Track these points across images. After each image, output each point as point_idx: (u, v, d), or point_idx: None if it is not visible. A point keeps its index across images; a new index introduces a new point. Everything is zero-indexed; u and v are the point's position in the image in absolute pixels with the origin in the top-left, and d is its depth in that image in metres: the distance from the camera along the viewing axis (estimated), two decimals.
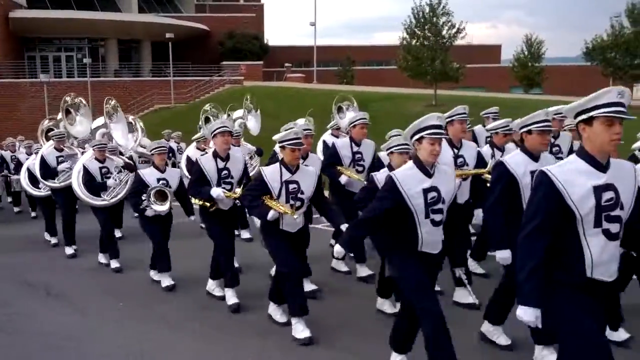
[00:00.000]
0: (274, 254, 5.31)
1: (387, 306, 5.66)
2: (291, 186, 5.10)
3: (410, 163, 4.01)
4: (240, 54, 39.73)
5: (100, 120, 9.18)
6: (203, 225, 6.99)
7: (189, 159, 9.83)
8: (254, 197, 5.14)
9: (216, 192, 5.87)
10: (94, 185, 7.82)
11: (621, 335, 4.66)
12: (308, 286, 6.08)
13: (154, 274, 7.15)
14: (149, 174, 6.85)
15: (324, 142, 8.13)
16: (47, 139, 9.87)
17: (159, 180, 6.81)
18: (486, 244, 6.64)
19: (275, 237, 5.23)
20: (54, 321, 5.91)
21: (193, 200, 6.29)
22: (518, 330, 4.42)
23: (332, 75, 41.05)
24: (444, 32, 28.14)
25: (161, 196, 6.71)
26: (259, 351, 4.93)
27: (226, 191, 5.94)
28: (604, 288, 2.93)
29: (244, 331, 5.38)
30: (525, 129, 4.34)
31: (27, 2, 38.61)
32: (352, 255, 6.86)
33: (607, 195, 2.84)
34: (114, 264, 7.77)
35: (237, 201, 6.05)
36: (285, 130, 6.11)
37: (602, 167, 2.86)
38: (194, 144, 10.21)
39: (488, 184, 4.78)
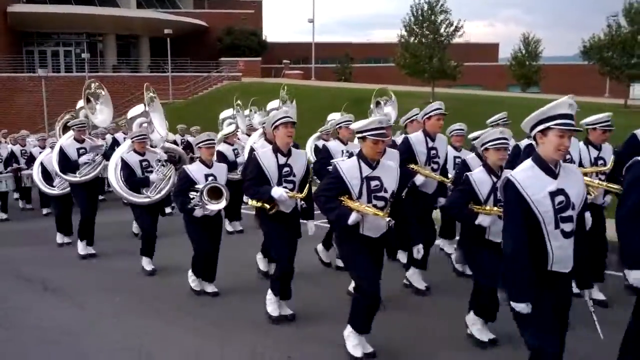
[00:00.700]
0: (352, 266, 4.62)
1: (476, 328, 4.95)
2: (373, 183, 4.42)
3: (529, 162, 3.38)
4: (238, 50, 39.72)
5: (138, 109, 8.16)
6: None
7: (221, 154, 8.65)
8: (330, 198, 4.42)
9: (278, 192, 5.15)
10: (135, 180, 7.17)
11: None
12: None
13: (193, 281, 6.44)
14: (196, 170, 6.15)
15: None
16: (65, 132, 9.11)
17: (207, 176, 6.12)
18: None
19: (354, 246, 4.52)
20: (51, 316, 5.95)
21: (250, 202, 5.56)
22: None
23: (330, 72, 41.09)
24: (442, 30, 28.18)
25: (215, 193, 5.98)
26: (253, 346, 4.98)
27: (289, 191, 5.23)
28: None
29: (239, 326, 5.44)
30: None
31: None
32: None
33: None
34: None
35: (302, 202, 5.36)
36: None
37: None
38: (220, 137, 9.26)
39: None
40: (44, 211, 12.04)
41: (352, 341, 4.63)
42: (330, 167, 5.28)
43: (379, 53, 46.25)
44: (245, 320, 5.56)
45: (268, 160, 5.25)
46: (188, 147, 11.52)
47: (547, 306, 3.32)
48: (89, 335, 5.41)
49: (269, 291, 5.51)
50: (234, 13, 43.19)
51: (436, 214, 6.40)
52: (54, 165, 8.30)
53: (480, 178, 4.63)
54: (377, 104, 8.20)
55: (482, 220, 4.57)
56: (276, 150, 5.30)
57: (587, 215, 3.74)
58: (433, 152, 5.95)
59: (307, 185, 5.32)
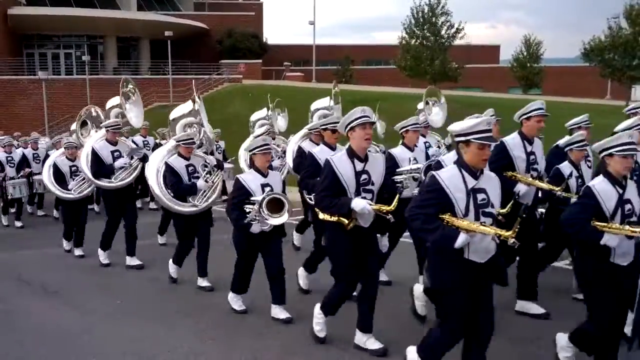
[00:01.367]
0: (448, 302, 3.74)
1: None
2: (480, 197, 3.67)
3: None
4: (239, 52, 39.69)
5: (184, 108, 7.36)
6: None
7: (301, 151, 7.00)
8: (430, 217, 3.65)
9: (360, 204, 4.37)
10: (182, 187, 6.48)
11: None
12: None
13: (232, 297, 5.90)
14: (251, 180, 5.43)
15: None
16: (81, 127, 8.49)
17: (263, 187, 5.39)
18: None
19: (454, 274, 3.68)
20: (50, 318, 5.92)
21: (321, 215, 4.71)
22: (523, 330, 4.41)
23: (331, 75, 40.91)
24: (443, 32, 28.27)
25: (276, 206, 5.27)
26: (254, 350, 4.94)
27: (372, 203, 4.46)
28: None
29: (240, 330, 5.40)
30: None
31: None
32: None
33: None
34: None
35: (390, 217, 4.39)
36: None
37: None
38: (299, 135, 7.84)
39: None
40: (55, 214, 11.37)
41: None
42: (319, 178, 4.72)
43: (379, 55, 46.25)
44: (248, 324, 5.52)
45: (344, 167, 4.49)
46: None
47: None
48: (88, 337, 5.37)
49: (318, 308, 4.92)
50: (235, 15, 43.19)
51: None
52: (83, 169, 7.67)
53: (604, 189, 3.96)
54: (426, 103, 7.61)
55: (609, 240, 3.89)
56: (352, 155, 4.54)
57: None
58: (532, 157, 5.27)
59: (397, 195, 4.43)
